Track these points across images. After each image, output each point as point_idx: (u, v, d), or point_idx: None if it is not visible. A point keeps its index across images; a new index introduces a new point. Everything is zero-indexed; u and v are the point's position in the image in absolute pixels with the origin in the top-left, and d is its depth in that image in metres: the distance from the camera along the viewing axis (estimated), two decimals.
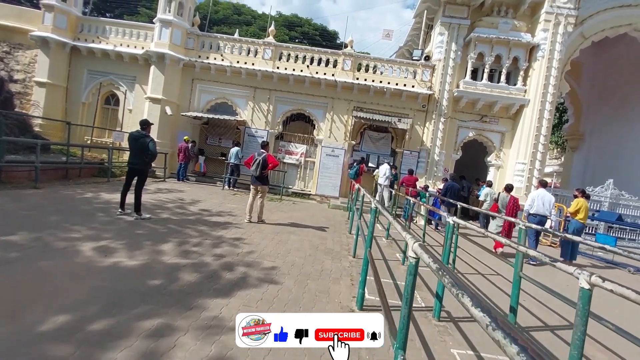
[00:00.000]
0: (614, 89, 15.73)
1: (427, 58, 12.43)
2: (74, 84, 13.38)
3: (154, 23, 12.91)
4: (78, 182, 8.86)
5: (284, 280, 3.99)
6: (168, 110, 12.36)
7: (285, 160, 12.85)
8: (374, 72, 12.66)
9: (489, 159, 12.70)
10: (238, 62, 12.71)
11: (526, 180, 11.65)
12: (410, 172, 10.49)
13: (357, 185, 7.20)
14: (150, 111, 12.41)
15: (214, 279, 3.73)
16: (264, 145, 7.10)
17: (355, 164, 11.25)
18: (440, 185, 10.32)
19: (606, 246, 3.12)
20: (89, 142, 12.45)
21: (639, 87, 14.56)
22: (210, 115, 12.45)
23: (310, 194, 12.62)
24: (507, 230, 8.67)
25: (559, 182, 16.43)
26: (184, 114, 12.39)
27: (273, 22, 14.74)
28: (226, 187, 11.90)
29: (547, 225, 9.04)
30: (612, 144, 15.64)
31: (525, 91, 11.95)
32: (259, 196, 7.02)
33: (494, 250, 7.80)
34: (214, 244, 5.06)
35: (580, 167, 17.17)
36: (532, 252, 2.75)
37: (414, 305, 2.07)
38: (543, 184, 8.28)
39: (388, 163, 11.51)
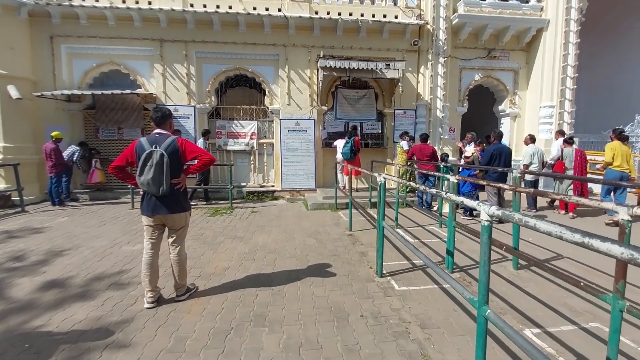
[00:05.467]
0: (600, 14, 13.52)
1: None
2: None
3: None
4: None
5: None
6: (13, 92, 7.32)
7: (228, 148, 8.65)
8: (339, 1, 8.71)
9: (501, 107, 9.69)
10: (124, 1, 7.90)
11: (556, 127, 8.84)
12: (424, 138, 6.97)
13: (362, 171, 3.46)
14: None
15: None
16: (162, 119, 2.98)
17: (348, 138, 7.46)
18: (469, 151, 7.00)
19: None
20: None
21: (633, 6, 12.41)
22: (90, 92, 7.65)
23: (274, 191, 8.66)
24: (581, 189, 6.74)
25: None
26: (39, 93, 7.44)
27: None
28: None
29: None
30: (605, 76, 13.65)
31: (541, 9, 8.91)
32: (171, 240, 2.99)
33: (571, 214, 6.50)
34: None
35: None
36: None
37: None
38: (562, 134, 7.37)
39: (407, 133, 8.15)
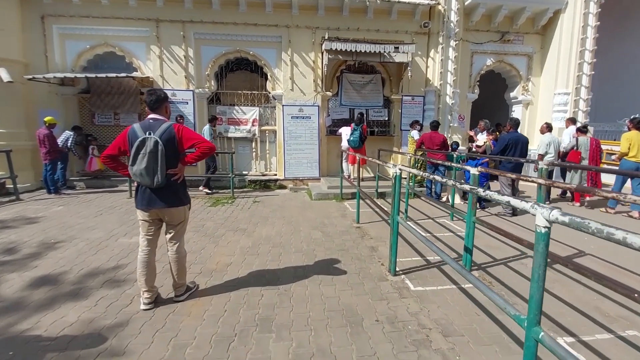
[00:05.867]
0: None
1: None
2: None
3: None
4: None
5: None
6: (3, 75, 6.98)
7: (229, 135, 8.33)
8: None
9: (513, 94, 9.30)
10: None
11: (571, 115, 8.47)
12: (435, 126, 6.65)
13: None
14: None
15: None
16: (156, 102, 2.68)
17: (355, 125, 7.16)
18: (481, 140, 6.70)
19: None
20: None
21: None
22: (83, 75, 7.30)
23: (277, 180, 8.40)
24: (595, 179, 6.70)
25: None
26: (30, 76, 7.09)
27: None
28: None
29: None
30: (618, 63, 13.11)
31: None
32: (169, 236, 2.75)
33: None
34: None
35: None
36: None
37: None
38: (573, 121, 7.21)
39: (418, 122, 7.90)
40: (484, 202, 6.29)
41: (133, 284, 3.03)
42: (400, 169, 2.98)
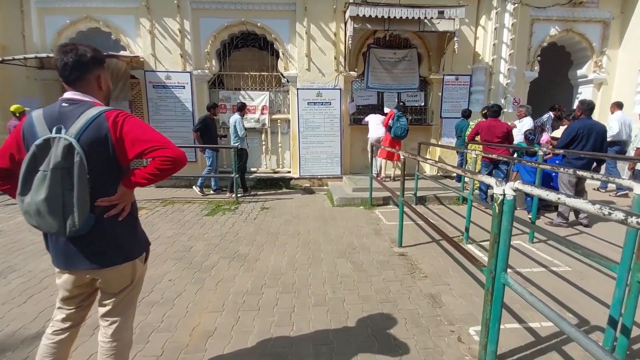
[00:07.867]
0: None
1: None
2: None
3: None
4: None
5: None
6: None
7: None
8: None
9: (581, 71, 7.52)
10: None
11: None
12: (495, 111, 5.05)
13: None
14: None
15: None
16: (75, 68, 1.36)
17: (398, 111, 5.76)
18: (561, 129, 5.09)
19: None
20: None
21: None
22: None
23: (291, 179, 7.07)
24: None
25: None
26: (4, 58, 6.00)
27: None
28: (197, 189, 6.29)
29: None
30: None
31: None
32: (103, 310, 1.45)
33: None
34: None
35: None
36: None
37: None
38: (619, 106, 6.09)
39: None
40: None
41: None
42: (517, 189, 1.57)
